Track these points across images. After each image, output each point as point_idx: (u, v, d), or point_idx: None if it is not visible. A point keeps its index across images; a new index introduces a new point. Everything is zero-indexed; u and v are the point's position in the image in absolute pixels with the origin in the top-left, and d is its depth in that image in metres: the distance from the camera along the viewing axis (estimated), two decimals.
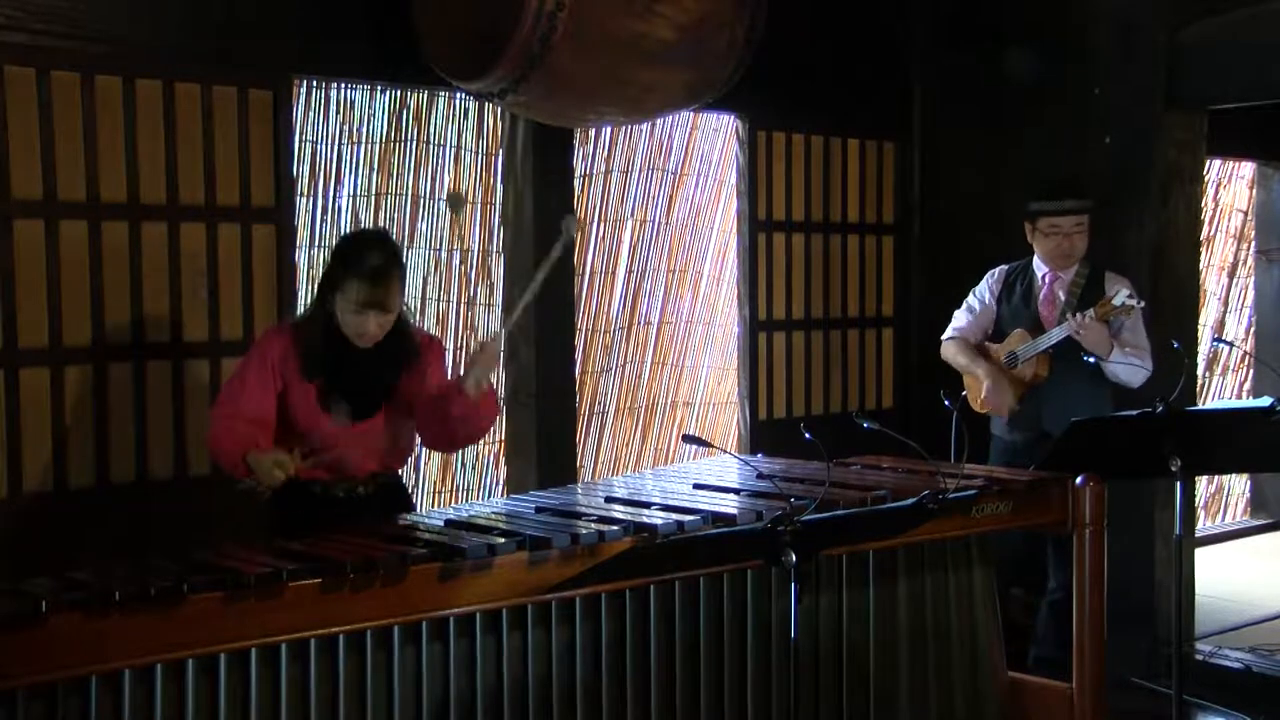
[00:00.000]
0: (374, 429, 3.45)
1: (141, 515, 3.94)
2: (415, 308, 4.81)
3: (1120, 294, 4.32)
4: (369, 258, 3.29)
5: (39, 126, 3.79)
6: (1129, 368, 4.40)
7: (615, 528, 3.01)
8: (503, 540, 2.85)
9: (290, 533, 3.06)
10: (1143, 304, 4.36)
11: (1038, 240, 4.64)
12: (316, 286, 3.45)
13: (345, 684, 2.67)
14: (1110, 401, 4.57)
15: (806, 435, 2.96)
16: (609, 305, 5.47)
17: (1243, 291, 7.58)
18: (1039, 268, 4.70)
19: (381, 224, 4.78)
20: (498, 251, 5.03)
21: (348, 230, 4.62)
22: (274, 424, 3.38)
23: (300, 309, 4.43)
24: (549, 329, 4.90)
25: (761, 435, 5.55)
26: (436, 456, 4.98)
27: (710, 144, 5.75)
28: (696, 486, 3.61)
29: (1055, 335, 4.47)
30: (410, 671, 2.76)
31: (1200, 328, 6.04)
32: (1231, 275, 7.52)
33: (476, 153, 5.00)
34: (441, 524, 3.10)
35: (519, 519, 3.14)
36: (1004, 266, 4.82)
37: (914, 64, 5.98)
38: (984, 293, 4.82)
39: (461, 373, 3.39)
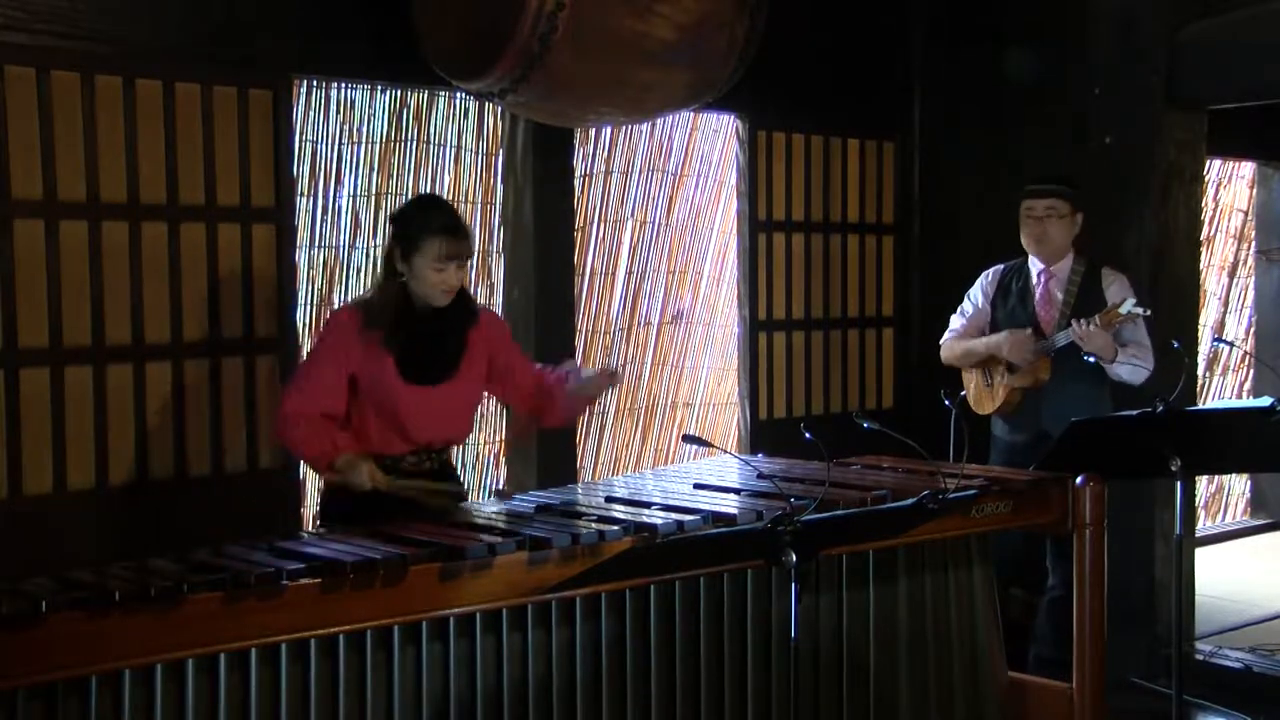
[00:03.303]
0: (451, 393, 3.55)
1: (142, 516, 3.94)
2: None
3: (1127, 302, 4.29)
4: (440, 215, 3.49)
5: (39, 126, 3.79)
6: (1131, 368, 4.40)
7: (615, 528, 3.01)
8: (503, 540, 2.85)
9: (350, 514, 3.25)
10: (1149, 312, 4.34)
11: (1021, 228, 4.66)
12: (383, 261, 3.58)
13: (345, 684, 2.67)
14: (1110, 401, 4.57)
15: (806, 435, 2.96)
16: (609, 305, 5.47)
17: (1243, 291, 7.57)
18: (1034, 265, 4.70)
19: (381, 224, 4.78)
20: (498, 251, 5.03)
21: (347, 225, 4.70)
22: (345, 412, 3.48)
23: (300, 308, 4.45)
24: (549, 329, 4.90)
25: (761, 435, 5.55)
26: None
27: (710, 144, 5.75)
28: (696, 486, 3.61)
29: (1059, 341, 4.46)
30: (410, 671, 2.76)
31: (1200, 328, 6.04)
32: (1231, 275, 7.52)
33: (476, 153, 5.00)
34: (442, 524, 3.10)
35: (519, 519, 3.14)
36: (998, 267, 4.82)
37: (914, 64, 5.98)
38: (977, 295, 4.81)
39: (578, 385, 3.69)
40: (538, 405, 3.78)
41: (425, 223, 3.45)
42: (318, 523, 3.56)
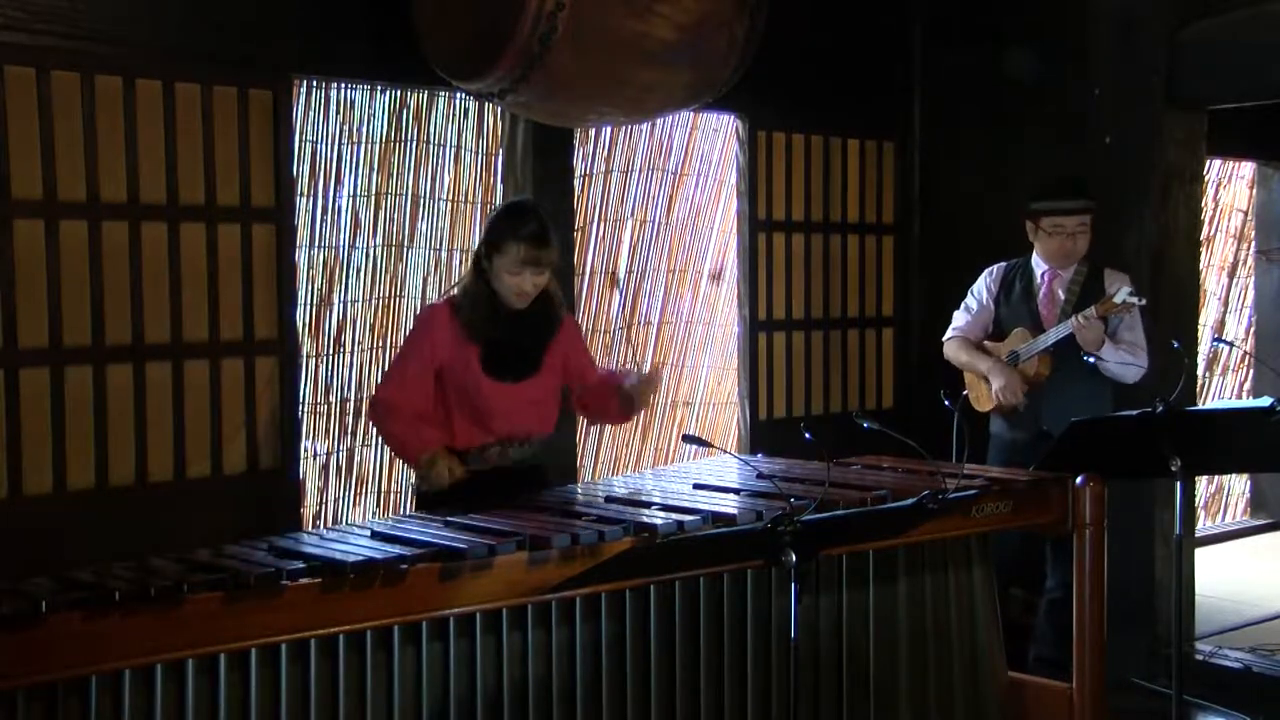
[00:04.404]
0: (530, 390, 3.71)
1: (142, 516, 3.94)
2: (415, 308, 4.81)
3: (1122, 291, 4.30)
4: (528, 222, 3.63)
5: (39, 126, 3.79)
6: (1122, 365, 4.40)
7: (615, 528, 3.01)
8: (503, 540, 2.85)
9: (451, 498, 3.39)
10: (1144, 301, 4.35)
11: (1040, 239, 4.64)
12: (472, 259, 3.73)
13: (345, 684, 2.67)
14: (1110, 400, 4.56)
15: (806, 435, 2.96)
16: (609, 305, 5.47)
17: (1243, 291, 7.57)
18: (1038, 265, 4.70)
19: (381, 224, 4.79)
20: None
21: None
22: (431, 406, 3.65)
23: (300, 308, 4.45)
24: None
25: (761, 435, 5.55)
26: None
27: (710, 144, 5.75)
28: (696, 486, 3.61)
29: (1058, 333, 4.47)
30: (410, 671, 2.76)
31: (1200, 328, 6.04)
32: (1231, 275, 7.52)
33: (476, 153, 5.00)
34: (442, 524, 3.10)
35: (518, 519, 3.14)
36: (1001, 264, 4.82)
37: (914, 64, 5.98)
38: (981, 291, 4.81)
39: (629, 387, 3.76)
40: (599, 406, 3.91)
41: (509, 227, 3.62)
42: (413, 508, 3.74)
